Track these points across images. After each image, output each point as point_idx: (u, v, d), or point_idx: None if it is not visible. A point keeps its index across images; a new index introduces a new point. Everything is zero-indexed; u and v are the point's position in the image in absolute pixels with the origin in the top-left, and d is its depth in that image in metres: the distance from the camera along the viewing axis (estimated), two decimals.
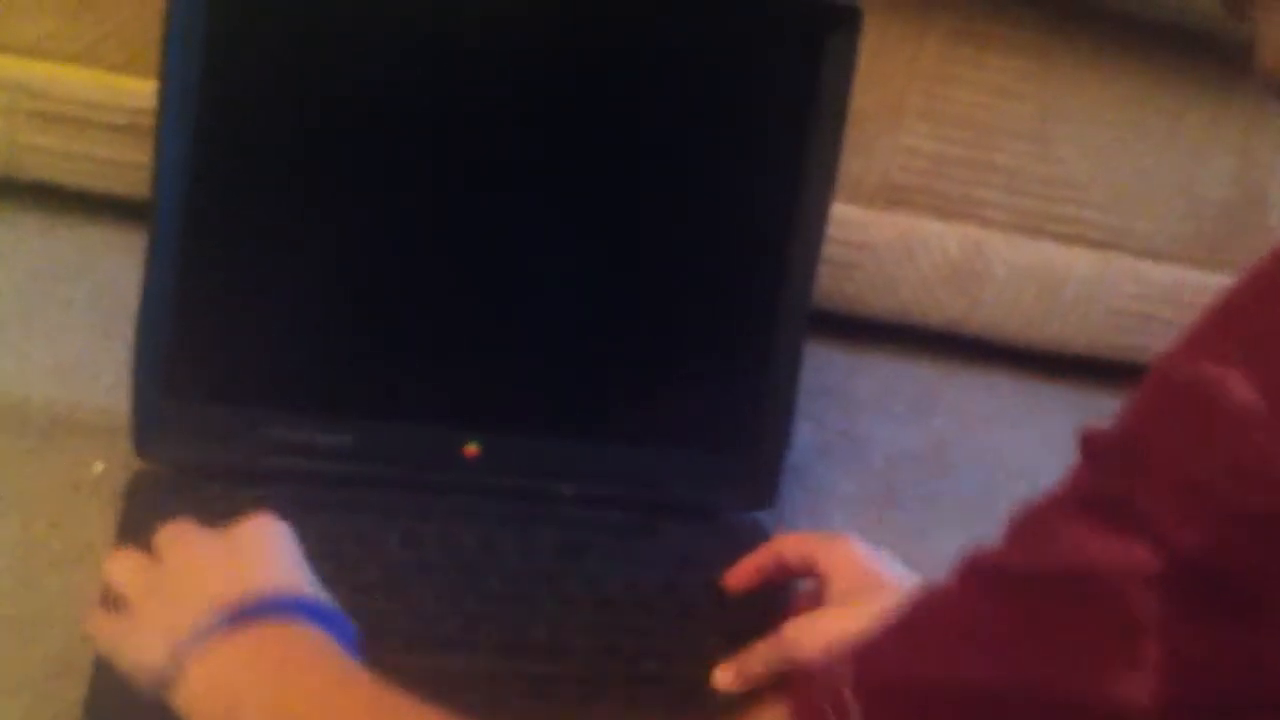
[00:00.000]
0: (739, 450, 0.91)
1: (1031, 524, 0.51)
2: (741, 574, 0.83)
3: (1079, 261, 1.18)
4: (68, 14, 1.00)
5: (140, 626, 0.65)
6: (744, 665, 0.76)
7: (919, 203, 1.15)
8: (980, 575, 0.51)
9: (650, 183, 0.87)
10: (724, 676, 0.76)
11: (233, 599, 0.64)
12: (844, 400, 1.12)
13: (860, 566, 0.77)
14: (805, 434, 1.01)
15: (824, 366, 1.13)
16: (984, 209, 1.16)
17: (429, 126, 0.83)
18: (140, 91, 1.01)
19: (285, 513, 0.79)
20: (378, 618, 0.74)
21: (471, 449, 0.85)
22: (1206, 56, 1.11)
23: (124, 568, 0.69)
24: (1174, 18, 1.07)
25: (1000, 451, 1.13)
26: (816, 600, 0.78)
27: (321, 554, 0.77)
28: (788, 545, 0.82)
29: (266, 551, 0.68)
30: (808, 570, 0.80)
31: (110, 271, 1.01)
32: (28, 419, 0.87)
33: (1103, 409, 1.22)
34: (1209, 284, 1.20)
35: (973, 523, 1.01)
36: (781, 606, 0.81)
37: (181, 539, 0.69)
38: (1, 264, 1.00)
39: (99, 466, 0.84)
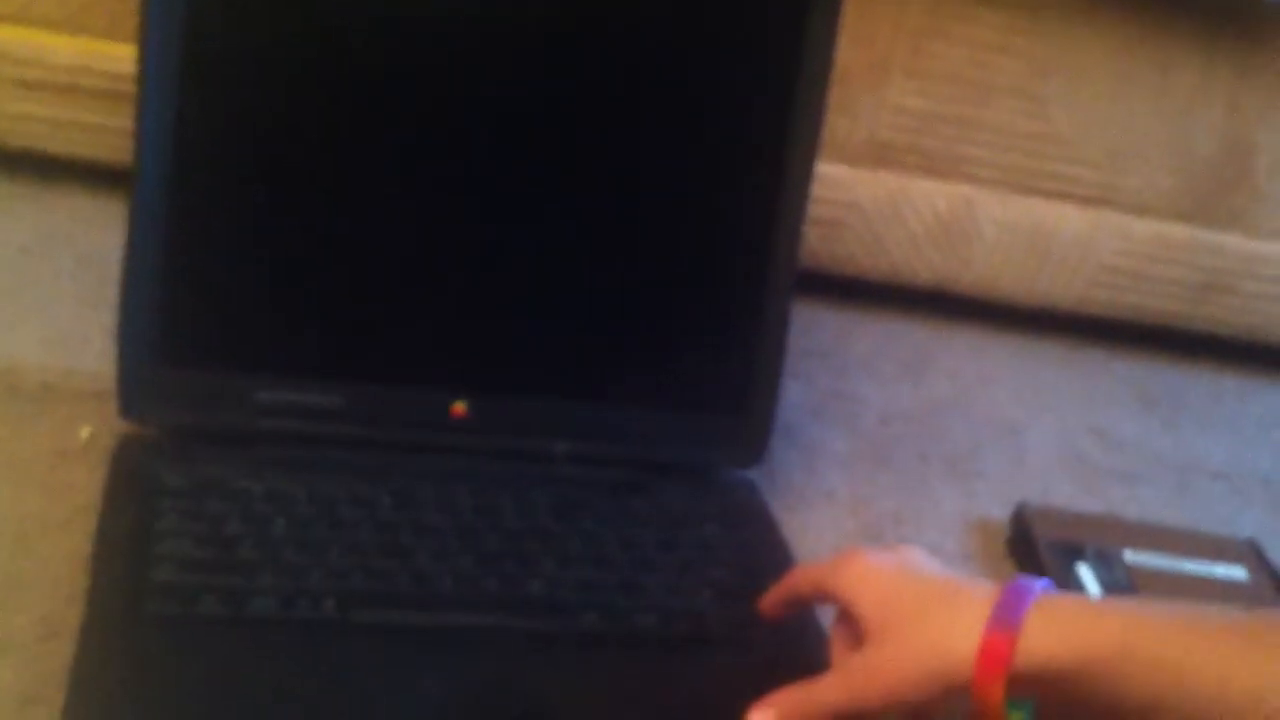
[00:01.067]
0: (729, 408, 0.90)
1: None
2: (767, 609, 0.78)
3: (1068, 218, 1.18)
4: None
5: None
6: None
7: (907, 161, 1.15)
8: None
9: (635, 142, 0.87)
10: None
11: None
12: (835, 360, 1.12)
13: (882, 587, 0.70)
14: (796, 394, 1.01)
15: (814, 327, 1.13)
16: (973, 167, 1.16)
17: (412, 85, 0.82)
18: (124, 57, 1.00)
19: (277, 475, 0.80)
20: (374, 578, 0.75)
21: (459, 408, 0.85)
22: (1194, 10, 1.11)
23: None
24: None
25: (992, 409, 1.13)
26: (850, 628, 0.72)
27: (315, 516, 0.78)
28: (800, 578, 0.76)
29: None
30: (825, 600, 0.75)
31: (97, 239, 1.01)
32: (16, 387, 0.87)
33: (1093, 365, 1.23)
34: (1198, 239, 1.21)
35: (965, 479, 1.02)
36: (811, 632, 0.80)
37: None
38: None
39: (86, 432, 0.84)
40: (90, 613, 0.69)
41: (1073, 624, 0.64)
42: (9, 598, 0.72)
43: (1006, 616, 0.64)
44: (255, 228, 0.82)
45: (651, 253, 0.88)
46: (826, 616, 0.81)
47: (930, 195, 1.15)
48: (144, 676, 0.67)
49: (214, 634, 0.70)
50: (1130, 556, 0.94)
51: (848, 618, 0.72)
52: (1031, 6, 1.10)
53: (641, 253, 0.88)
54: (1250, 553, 0.98)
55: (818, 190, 0.91)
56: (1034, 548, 0.93)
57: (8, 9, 1.01)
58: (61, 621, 0.71)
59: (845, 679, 0.68)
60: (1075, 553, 0.93)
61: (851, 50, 0.90)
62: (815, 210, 0.92)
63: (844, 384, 1.10)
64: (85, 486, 0.80)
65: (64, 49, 1.02)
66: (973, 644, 0.64)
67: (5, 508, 0.78)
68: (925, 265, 1.17)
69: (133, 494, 0.77)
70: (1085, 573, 0.91)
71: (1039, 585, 0.66)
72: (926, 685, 0.65)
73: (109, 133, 1.04)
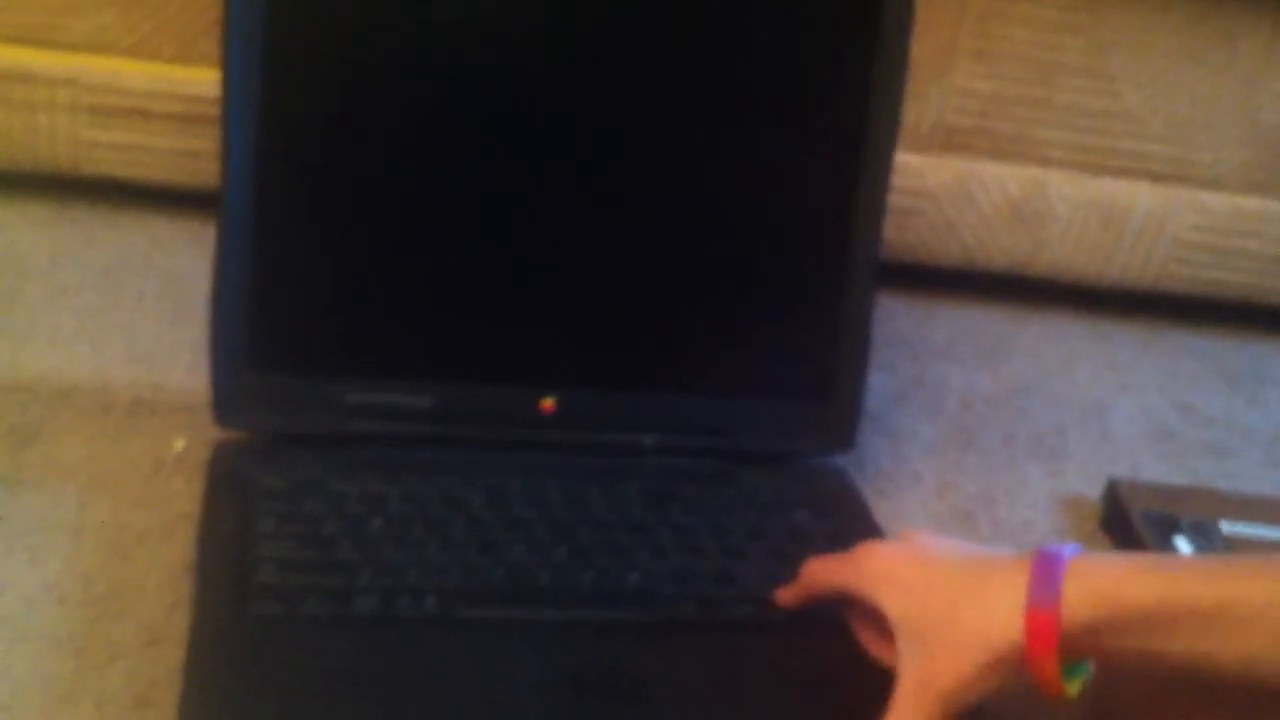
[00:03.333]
0: (817, 395, 0.90)
1: None
2: (786, 604, 0.77)
3: (1141, 195, 1.17)
4: (121, 8, 1.02)
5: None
6: None
7: (976, 145, 1.14)
8: None
9: (717, 134, 0.87)
10: None
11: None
12: (915, 348, 1.12)
13: (908, 585, 0.69)
14: (879, 381, 1.01)
15: (893, 316, 1.13)
16: (1042, 148, 1.15)
17: (490, 90, 0.83)
18: (196, 80, 1.03)
19: (370, 475, 0.80)
20: (469, 574, 0.75)
21: (548, 404, 0.85)
22: None
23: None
24: None
25: (1074, 390, 1.12)
26: (873, 620, 0.72)
27: (410, 514, 0.78)
28: (817, 576, 0.75)
29: None
30: (842, 595, 0.73)
31: (176, 259, 1.02)
32: (110, 404, 0.88)
33: (1173, 342, 1.22)
34: (1272, 210, 1.19)
35: (1052, 458, 1.01)
36: None
37: None
38: (73, 260, 1.01)
39: (180, 444, 0.85)
40: (198, 616, 0.70)
41: (1110, 584, 0.63)
42: (114, 606, 0.73)
43: (1044, 592, 0.64)
44: (339, 234, 0.83)
45: (734, 243, 0.88)
46: None
47: (1001, 178, 1.14)
48: (253, 676, 0.67)
49: (319, 633, 0.70)
50: (1227, 527, 0.93)
51: (868, 610, 0.71)
52: None
53: (724, 243, 0.88)
54: None
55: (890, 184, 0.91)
56: (1129, 522, 0.92)
57: (79, 37, 1.02)
58: (166, 627, 0.72)
59: (914, 703, 0.67)
60: (1171, 525, 0.92)
61: (917, 36, 0.89)
62: (888, 199, 0.92)
63: (925, 370, 1.09)
64: (182, 495, 0.80)
65: (135, 75, 1.03)
66: (1017, 626, 0.64)
67: (106, 519, 0.78)
68: (999, 249, 1.17)
69: (231, 499, 0.78)
70: (1183, 545, 0.90)
71: (1066, 551, 0.65)
72: (985, 679, 0.65)
73: (183, 156, 1.05)
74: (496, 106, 0.83)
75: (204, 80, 1.00)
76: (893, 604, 0.68)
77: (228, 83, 0.79)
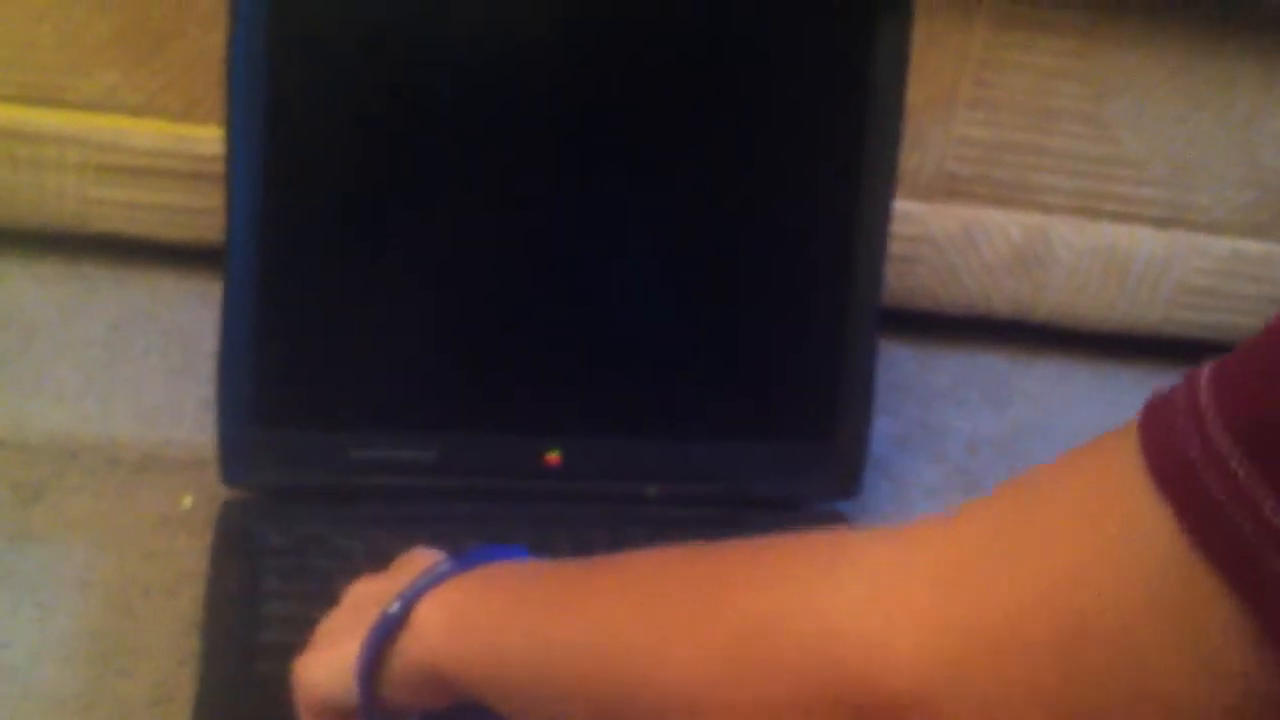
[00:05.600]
0: (821, 441, 0.91)
1: None
2: None
3: (1143, 240, 1.17)
4: (127, 67, 1.02)
5: (337, 628, 0.63)
6: None
7: (977, 191, 1.14)
8: None
9: (713, 182, 0.87)
10: None
11: (431, 563, 0.62)
12: (919, 393, 1.12)
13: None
14: (883, 427, 1.01)
15: (896, 362, 1.13)
16: (1043, 193, 1.15)
17: (491, 148, 0.84)
18: (201, 138, 1.03)
19: (376, 530, 0.80)
20: None
21: (553, 456, 0.86)
22: (1255, 21, 1.11)
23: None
24: None
25: (1078, 433, 1.11)
26: None
27: None
28: None
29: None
30: None
31: (182, 315, 1.03)
32: (116, 459, 0.88)
33: None
34: (1274, 253, 1.20)
35: None
36: None
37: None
38: (79, 316, 1.02)
39: (188, 501, 0.85)
40: (205, 675, 0.70)
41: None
42: (121, 663, 0.73)
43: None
44: (343, 289, 0.83)
45: (735, 292, 0.89)
46: None
47: (1003, 224, 1.15)
48: None
49: None
50: None
51: None
52: (1089, 31, 1.10)
53: (724, 291, 0.89)
54: None
55: (891, 226, 0.91)
56: None
57: (86, 97, 1.03)
58: (174, 685, 0.72)
59: None
60: None
61: (915, 84, 0.90)
62: (890, 246, 0.92)
63: (929, 415, 1.09)
64: (188, 553, 0.81)
65: (141, 134, 1.04)
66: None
67: (112, 576, 0.79)
68: (1002, 295, 1.17)
69: (238, 556, 0.78)
70: None
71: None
72: None
73: (189, 213, 1.06)
74: (496, 160, 0.84)
75: (209, 138, 1.01)
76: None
77: (231, 140, 0.79)
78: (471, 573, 0.61)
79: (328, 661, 0.62)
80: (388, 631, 0.59)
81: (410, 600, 0.60)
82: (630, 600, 0.55)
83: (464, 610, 0.59)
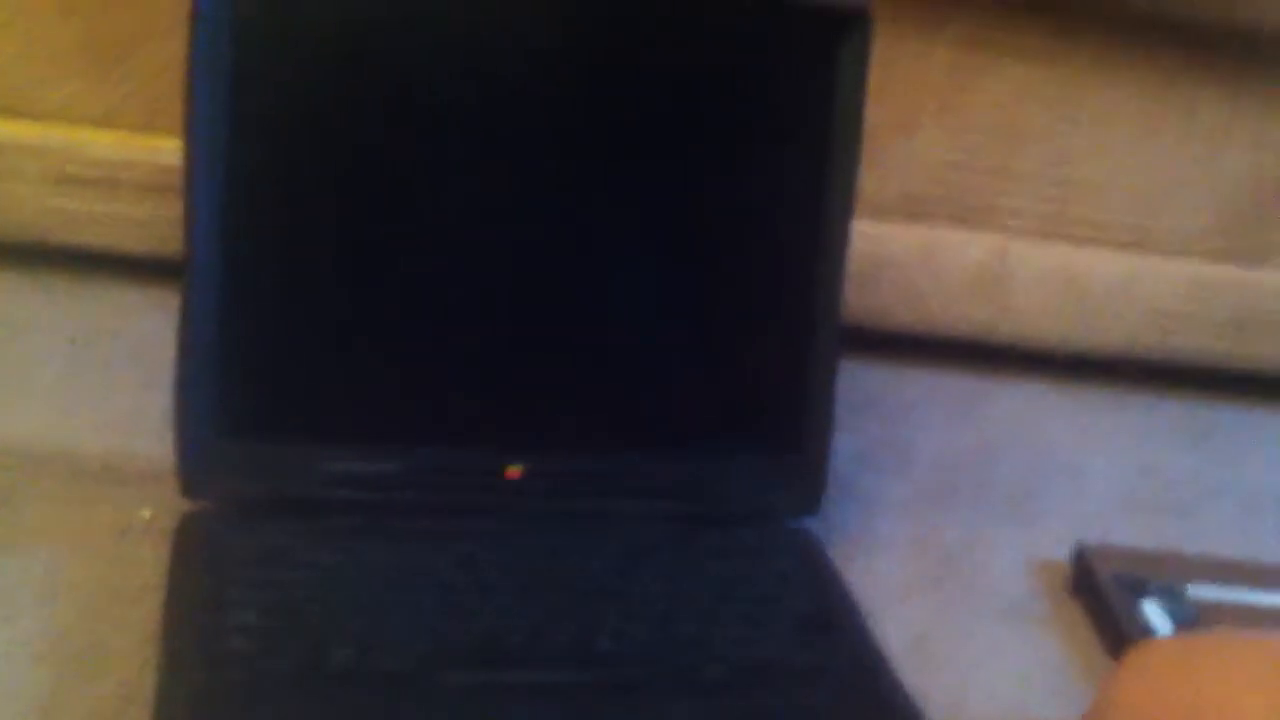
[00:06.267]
0: (783, 457, 0.91)
1: None
2: None
3: (1104, 263, 1.19)
4: (89, 78, 1.02)
5: None
6: None
7: (939, 212, 1.15)
8: None
9: (676, 200, 0.88)
10: None
11: None
12: (883, 412, 1.12)
13: None
14: (847, 444, 1.01)
15: (859, 381, 1.13)
16: (1005, 216, 1.16)
17: (456, 161, 0.83)
18: (162, 149, 1.03)
19: (338, 542, 0.80)
20: (439, 639, 0.74)
21: (514, 471, 0.85)
22: (1217, 49, 1.12)
23: None
24: (1182, 12, 1.08)
25: (1042, 453, 1.13)
26: None
27: (377, 581, 0.78)
28: None
29: None
30: None
31: (142, 327, 1.02)
32: (79, 471, 0.87)
33: (1141, 407, 1.23)
34: (1233, 277, 1.21)
35: (1022, 522, 1.02)
36: None
37: None
38: (39, 328, 1.01)
39: (146, 513, 0.84)
40: (164, 683, 0.69)
41: None
42: (82, 669, 0.72)
43: None
44: (306, 302, 0.83)
45: (696, 307, 0.89)
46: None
47: (965, 246, 1.16)
48: None
49: (288, 700, 0.69)
50: (1195, 590, 0.93)
51: None
52: (1053, 56, 1.11)
53: (686, 307, 0.89)
54: None
55: (852, 245, 0.91)
56: (1098, 586, 0.92)
57: (46, 106, 1.02)
58: (139, 690, 0.71)
59: None
60: (1139, 589, 0.92)
61: (879, 105, 0.90)
62: (851, 265, 0.92)
63: (894, 433, 1.10)
64: (151, 561, 0.80)
65: (101, 143, 1.04)
66: None
67: (76, 583, 0.78)
68: (964, 316, 1.18)
69: (199, 567, 0.77)
70: (1151, 609, 0.90)
71: None
72: None
73: (148, 224, 1.05)
74: (462, 173, 0.83)
75: (171, 149, 0.98)
76: None
77: (192, 149, 0.79)
78: None
79: None
80: None
81: None
82: None
83: None
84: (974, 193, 1.15)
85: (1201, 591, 0.93)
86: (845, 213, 0.90)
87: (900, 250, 1.14)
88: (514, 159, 0.84)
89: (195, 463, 0.81)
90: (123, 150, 1.03)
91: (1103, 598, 0.92)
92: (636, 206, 0.87)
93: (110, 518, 0.83)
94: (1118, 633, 0.88)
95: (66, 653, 0.73)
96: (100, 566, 0.79)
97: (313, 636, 0.73)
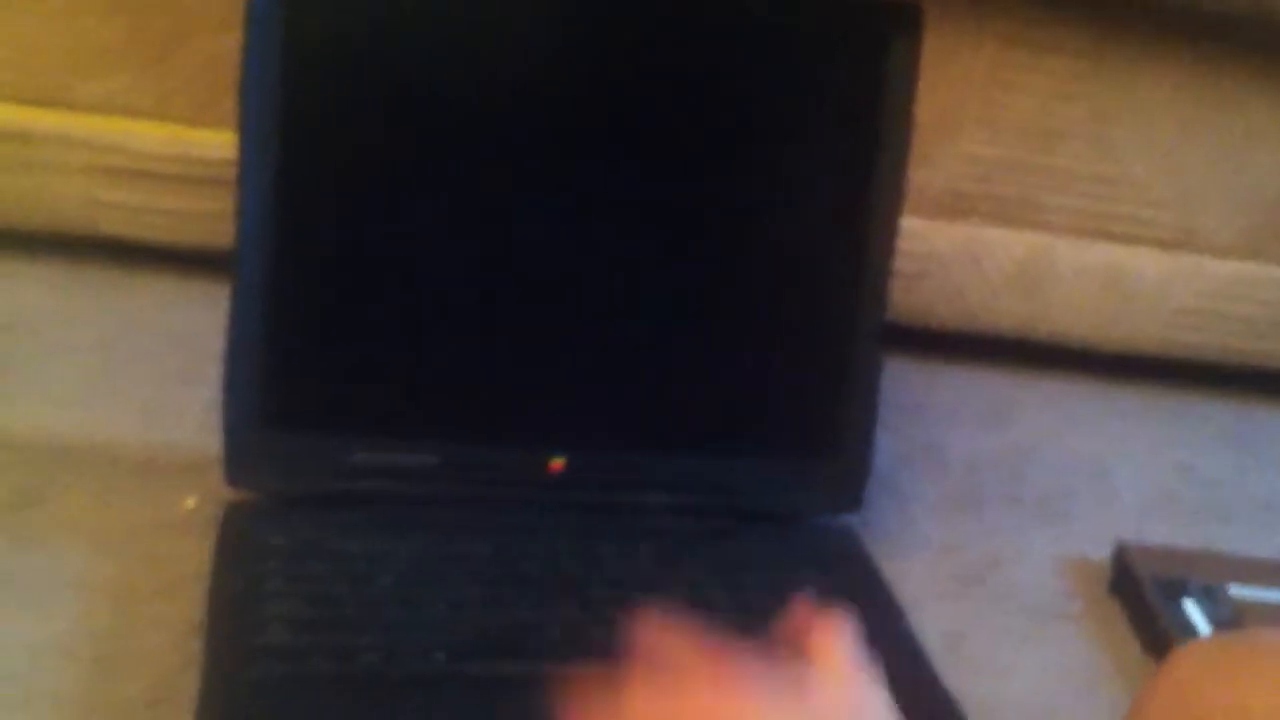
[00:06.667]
0: (825, 455, 0.91)
1: None
2: None
3: (1145, 261, 1.18)
4: (136, 70, 1.03)
5: None
6: None
7: (981, 210, 1.15)
8: None
9: (724, 196, 0.87)
10: None
11: None
12: (921, 411, 1.12)
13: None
14: (885, 443, 1.01)
15: (898, 379, 1.13)
16: (1046, 213, 1.16)
17: (502, 158, 0.84)
18: (208, 142, 1.04)
19: (379, 534, 0.80)
20: (475, 630, 0.75)
21: (556, 464, 0.86)
22: (1260, 44, 1.11)
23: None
24: (1221, 9, 1.07)
25: (1079, 454, 1.12)
26: None
27: (417, 572, 0.78)
28: None
29: None
30: None
31: (185, 319, 1.03)
32: (119, 462, 0.88)
33: (1178, 407, 1.22)
34: (1275, 276, 1.20)
35: (1058, 521, 1.01)
36: None
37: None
38: (83, 319, 1.02)
39: (190, 502, 0.85)
40: (205, 676, 0.70)
41: None
42: (120, 667, 0.73)
43: None
44: (352, 296, 0.83)
45: (742, 304, 0.89)
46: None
47: (1007, 243, 1.15)
48: None
49: (326, 692, 0.70)
50: (1235, 591, 0.93)
51: None
52: (1096, 53, 1.11)
53: (733, 305, 0.89)
54: None
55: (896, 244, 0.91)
56: (1139, 586, 0.92)
57: (92, 100, 1.03)
58: (172, 687, 0.72)
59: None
60: (1180, 589, 0.92)
61: (923, 102, 0.90)
62: (894, 263, 0.93)
63: (931, 432, 1.10)
64: (189, 556, 0.80)
65: (147, 137, 1.04)
66: None
67: (111, 578, 0.79)
68: (1005, 313, 1.17)
69: (240, 558, 0.78)
70: (1192, 609, 0.90)
71: None
72: None
73: (193, 217, 1.06)
74: (507, 169, 0.84)
75: (215, 142, 1.01)
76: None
77: (244, 143, 0.79)
78: None
79: None
80: None
81: None
82: None
83: None
84: (1015, 190, 1.15)
85: (1241, 592, 0.93)
86: (894, 209, 0.90)
87: (943, 248, 1.14)
88: (563, 155, 0.85)
89: (240, 452, 0.81)
90: (168, 144, 1.04)
91: (1142, 597, 0.91)
92: (683, 203, 0.87)
93: (150, 510, 0.84)
94: (1157, 632, 0.88)
95: (102, 651, 0.74)
96: (138, 561, 0.80)
97: (352, 627, 0.73)
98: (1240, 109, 1.13)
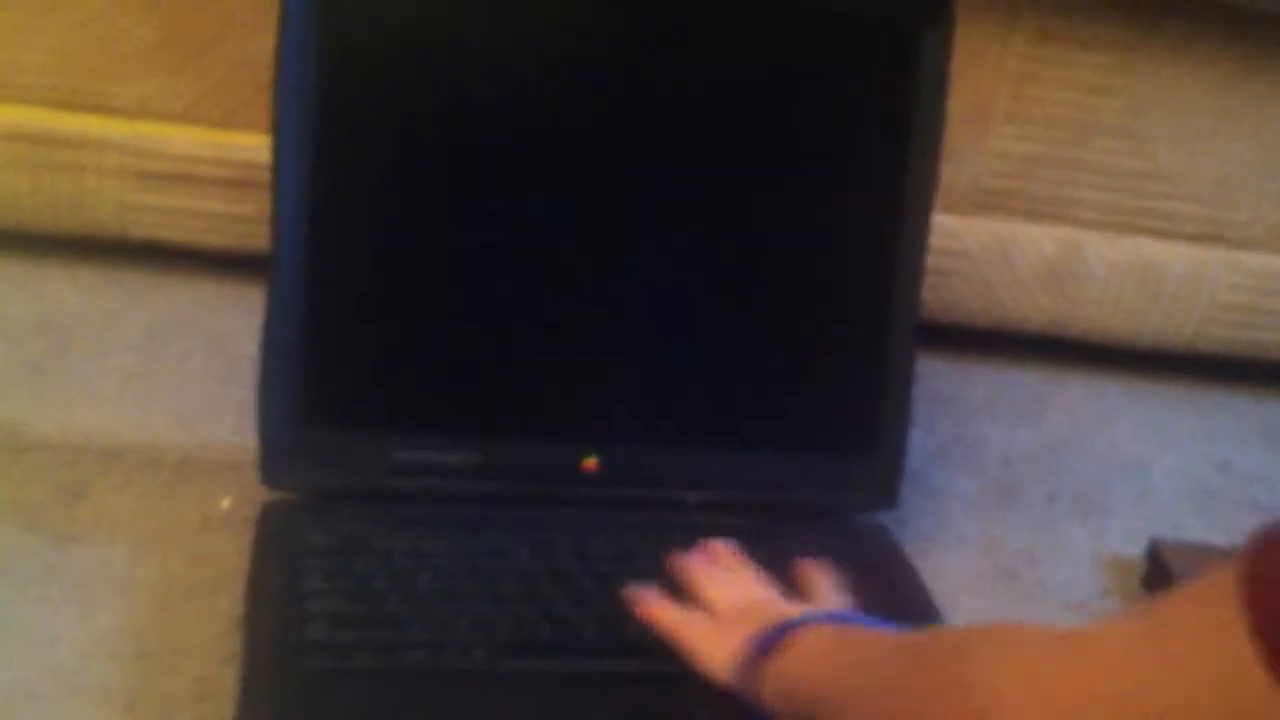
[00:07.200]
0: (860, 452, 0.91)
1: None
2: None
3: (1177, 255, 1.17)
4: (169, 75, 1.03)
5: (727, 630, 0.73)
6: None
7: (1012, 206, 1.15)
8: None
9: (757, 196, 0.88)
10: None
11: (793, 614, 0.73)
12: (954, 407, 1.12)
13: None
14: (919, 440, 1.01)
15: (931, 375, 1.13)
16: (1077, 208, 1.16)
17: (538, 158, 0.84)
18: (240, 145, 1.04)
19: (416, 532, 0.81)
20: (515, 627, 0.75)
21: (590, 462, 0.86)
22: None
23: (709, 579, 0.78)
24: (1254, 4, 1.07)
25: (1113, 448, 1.12)
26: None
27: (456, 569, 0.79)
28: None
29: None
30: None
31: (220, 321, 1.04)
32: (157, 462, 0.88)
33: (1212, 402, 1.22)
34: None
35: (1094, 517, 1.01)
36: None
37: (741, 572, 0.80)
38: (119, 321, 1.03)
39: (226, 502, 0.86)
40: (248, 671, 0.70)
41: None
42: (164, 662, 0.74)
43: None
44: (387, 294, 0.84)
45: (777, 302, 0.89)
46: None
47: (1037, 239, 1.15)
48: None
49: (369, 687, 0.71)
50: None
51: None
52: (1127, 47, 1.10)
53: (767, 303, 0.89)
54: None
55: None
56: (1172, 582, 0.92)
57: (127, 103, 1.04)
58: (216, 683, 0.72)
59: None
60: None
61: (953, 98, 0.90)
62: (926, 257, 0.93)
63: (965, 429, 1.10)
64: (229, 552, 0.81)
65: (182, 140, 1.05)
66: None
67: (155, 575, 0.79)
68: (1036, 309, 1.17)
69: (280, 555, 0.78)
70: None
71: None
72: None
73: (227, 220, 1.06)
74: (543, 170, 0.84)
75: (250, 145, 1.01)
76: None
77: (278, 145, 0.80)
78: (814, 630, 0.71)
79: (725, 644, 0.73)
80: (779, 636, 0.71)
81: (795, 625, 0.71)
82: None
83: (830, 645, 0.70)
84: (1047, 185, 1.14)
85: None
86: (926, 204, 0.90)
87: (973, 244, 1.14)
88: (600, 158, 0.85)
89: (276, 452, 0.82)
90: (202, 146, 1.05)
91: None
92: (718, 202, 0.87)
93: (190, 509, 0.85)
94: None
95: (146, 646, 0.74)
96: (179, 558, 0.81)
97: (390, 625, 0.74)
98: (1272, 104, 1.13)
